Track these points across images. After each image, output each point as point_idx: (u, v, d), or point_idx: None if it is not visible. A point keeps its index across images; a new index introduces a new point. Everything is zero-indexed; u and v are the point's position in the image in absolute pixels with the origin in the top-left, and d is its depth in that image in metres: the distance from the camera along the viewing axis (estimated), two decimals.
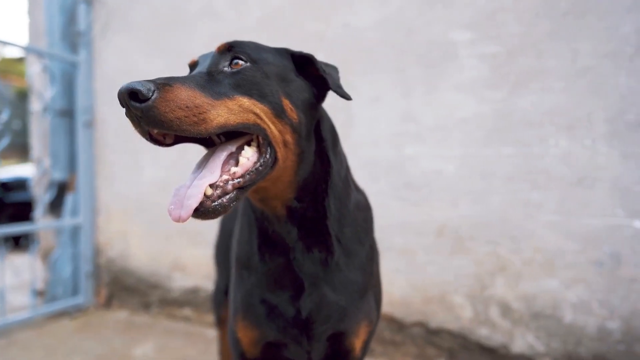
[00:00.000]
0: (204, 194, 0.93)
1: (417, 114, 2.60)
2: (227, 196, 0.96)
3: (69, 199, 3.85)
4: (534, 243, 2.32)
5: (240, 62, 1.03)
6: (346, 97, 1.14)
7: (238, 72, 1.01)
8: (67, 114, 3.87)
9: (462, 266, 2.48)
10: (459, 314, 2.49)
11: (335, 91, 1.14)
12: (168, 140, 0.99)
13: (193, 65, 1.16)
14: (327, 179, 1.18)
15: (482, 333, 2.43)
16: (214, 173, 0.97)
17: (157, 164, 3.56)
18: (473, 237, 2.46)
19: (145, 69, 3.58)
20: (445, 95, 2.52)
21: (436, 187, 2.54)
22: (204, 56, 1.14)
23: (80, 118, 3.77)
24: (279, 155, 1.04)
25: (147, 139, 0.95)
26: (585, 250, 2.22)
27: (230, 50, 1.05)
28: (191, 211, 0.90)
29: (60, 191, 3.94)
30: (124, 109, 0.89)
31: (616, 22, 2.14)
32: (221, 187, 0.95)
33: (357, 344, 1.27)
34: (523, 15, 2.33)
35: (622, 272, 2.16)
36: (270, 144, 1.03)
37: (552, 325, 2.29)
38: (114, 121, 3.77)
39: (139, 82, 0.85)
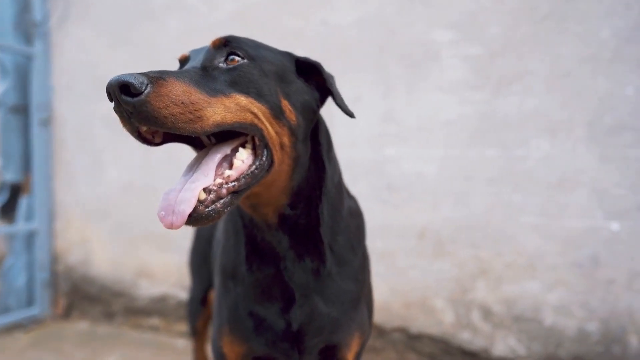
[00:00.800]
0: (197, 199, 0.89)
1: (398, 114, 2.59)
2: (222, 201, 0.92)
3: (23, 202, 3.64)
4: (515, 246, 2.36)
5: (237, 58, 1.00)
6: (350, 114, 1.13)
7: (234, 68, 0.98)
8: (21, 110, 3.65)
9: (444, 270, 2.49)
10: (440, 319, 2.50)
11: (339, 106, 1.12)
12: (157, 139, 0.95)
13: (184, 61, 1.10)
14: (321, 185, 1.15)
15: (464, 337, 2.45)
16: (208, 176, 0.93)
17: (121, 164, 3.42)
18: (454, 240, 2.47)
19: (108, 63, 3.42)
20: (427, 95, 2.52)
21: (417, 189, 2.54)
22: (195, 51, 1.09)
23: (36, 115, 3.57)
24: (275, 158, 1.01)
25: (135, 137, 0.91)
26: (565, 252, 2.27)
27: (227, 45, 1.01)
28: (185, 217, 0.86)
29: (14, 194, 3.72)
30: (112, 103, 0.84)
31: (595, 27, 2.20)
32: (215, 191, 0.92)
33: (350, 356, 1.24)
34: (504, 17, 2.36)
35: (600, 273, 2.22)
36: (266, 146, 1.00)
37: (533, 328, 2.33)
38: (74, 118, 3.59)
39: (131, 74, 0.80)
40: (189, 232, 3.20)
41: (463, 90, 2.45)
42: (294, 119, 1.04)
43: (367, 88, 2.66)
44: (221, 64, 0.99)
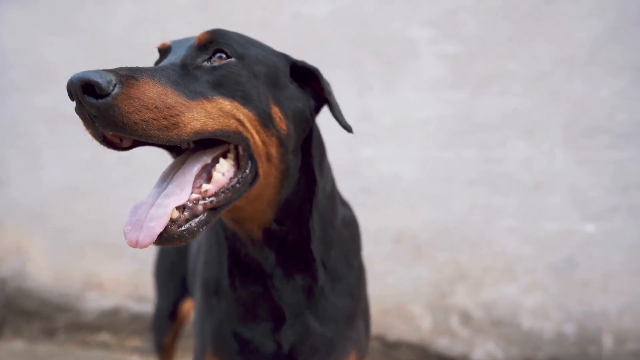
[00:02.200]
0: (170, 217, 0.82)
1: (374, 113, 2.55)
2: (197, 219, 0.85)
3: None
4: (494, 249, 2.39)
5: (223, 56, 0.92)
6: (348, 129, 1.06)
7: (219, 67, 0.90)
8: None
9: (422, 275, 2.48)
10: (418, 325, 2.49)
11: (337, 118, 1.06)
12: (125, 144, 0.86)
13: (164, 51, 1.00)
14: (311, 198, 1.08)
15: (442, 343, 2.46)
16: (184, 190, 0.85)
17: (64, 164, 3.16)
18: (433, 244, 2.47)
19: (47, 50, 3.15)
20: (404, 94, 2.51)
21: (394, 191, 2.52)
22: (178, 42, 0.99)
23: None
24: (260, 170, 0.94)
25: (99, 142, 0.82)
26: (542, 255, 2.33)
27: (212, 41, 0.93)
28: (154, 236, 0.79)
29: None
30: (73, 103, 0.75)
31: (571, 29, 2.26)
32: (190, 208, 0.84)
33: None
34: (483, 16, 2.38)
35: (576, 276, 2.29)
36: (251, 157, 0.92)
37: (511, 332, 2.37)
38: (6, 112, 3.27)
39: (96, 71, 0.72)
40: None
41: (441, 89, 2.45)
42: (284, 128, 0.96)
43: (341, 85, 2.59)
44: (205, 63, 0.91)
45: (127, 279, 3.02)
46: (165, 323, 1.86)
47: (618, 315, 2.24)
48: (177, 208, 0.83)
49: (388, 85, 2.53)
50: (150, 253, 3.06)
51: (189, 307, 1.82)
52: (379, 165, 2.54)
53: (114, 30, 3.00)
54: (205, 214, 0.86)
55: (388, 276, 2.53)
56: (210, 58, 0.91)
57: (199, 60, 0.91)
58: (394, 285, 2.53)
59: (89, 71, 0.72)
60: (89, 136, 0.80)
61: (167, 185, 0.87)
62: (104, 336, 3.10)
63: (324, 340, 1.12)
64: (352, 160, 2.59)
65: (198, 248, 1.42)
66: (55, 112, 3.11)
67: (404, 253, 2.51)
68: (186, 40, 0.98)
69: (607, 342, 2.26)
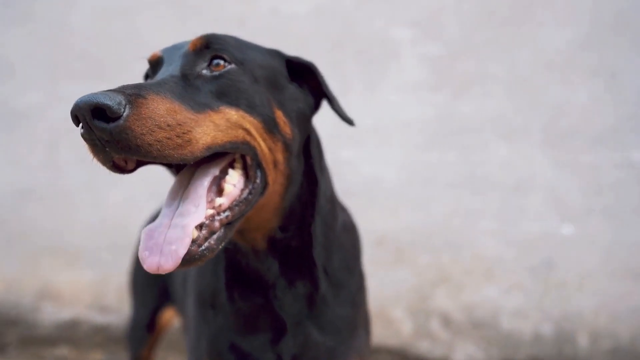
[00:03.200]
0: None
1: (354, 114, 2.51)
2: (215, 236, 0.82)
3: None
4: (475, 251, 2.43)
5: (222, 62, 0.89)
6: (349, 122, 1.08)
7: (221, 75, 0.88)
8: None
9: (403, 278, 2.49)
10: (398, 329, 2.49)
11: (337, 112, 1.06)
12: (130, 166, 0.82)
13: (156, 62, 0.96)
14: (313, 202, 1.06)
15: (423, 347, 2.47)
16: (199, 207, 0.82)
17: (15, 164, 2.97)
18: (414, 246, 2.49)
19: (2, 42, 2.93)
20: (384, 95, 2.51)
21: (375, 194, 2.52)
22: (169, 50, 0.96)
23: None
24: (269, 178, 0.92)
25: (108, 168, 0.79)
26: (522, 257, 2.39)
27: (208, 47, 0.90)
28: (178, 260, 0.76)
29: None
30: (79, 129, 0.72)
31: (550, 34, 2.34)
32: (207, 225, 0.82)
33: None
34: (464, 19, 2.43)
35: (553, 276, 2.36)
36: (259, 166, 0.90)
37: (491, 334, 2.41)
38: None
39: (104, 93, 0.69)
40: (110, 242, 2.87)
41: (422, 91, 2.47)
42: (288, 131, 0.95)
43: None
44: (204, 71, 0.88)
45: (88, 288, 2.88)
46: (142, 334, 1.77)
47: (593, 314, 2.32)
48: (195, 227, 0.80)
49: (369, 86, 2.53)
50: (113, 260, 2.93)
51: (169, 317, 1.74)
52: (360, 167, 2.53)
53: (76, 22, 2.84)
54: (222, 230, 0.84)
55: (369, 280, 2.49)
56: (208, 65, 0.89)
57: (198, 69, 0.88)
58: (375, 289, 2.50)
59: (95, 94, 0.68)
60: (98, 163, 0.77)
61: (180, 203, 0.83)
62: (62, 350, 2.92)
63: (325, 351, 1.09)
64: (333, 162, 2.53)
65: None
66: (6, 108, 2.91)
67: (386, 256, 2.50)
68: (177, 47, 0.94)
69: (583, 341, 2.34)
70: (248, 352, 1.06)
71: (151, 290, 1.73)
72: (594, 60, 2.28)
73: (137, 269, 1.83)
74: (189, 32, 3.13)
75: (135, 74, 3.10)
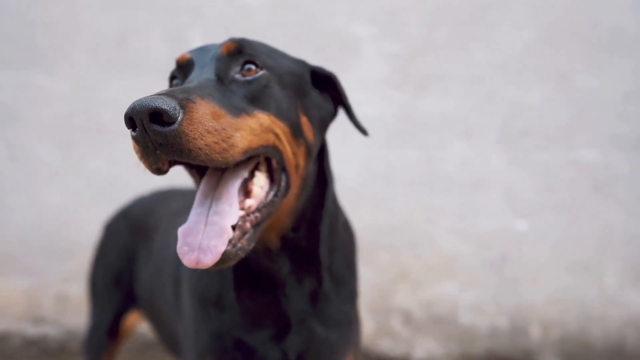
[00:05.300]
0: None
1: None
2: (246, 236, 0.87)
3: None
4: (434, 248, 2.51)
5: (254, 68, 0.94)
6: (364, 132, 1.17)
7: (254, 80, 0.92)
8: None
9: (364, 277, 2.49)
10: None
11: (354, 123, 1.14)
12: (165, 167, 0.84)
13: (186, 64, 0.98)
14: (323, 202, 1.12)
15: (384, 345, 2.52)
16: (232, 207, 0.87)
17: None
18: (375, 245, 2.52)
19: None
20: (346, 92, 2.51)
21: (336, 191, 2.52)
22: (198, 52, 0.98)
23: None
24: (292, 181, 0.98)
25: (153, 171, 0.82)
26: (479, 252, 2.49)
27: (241, 52, 0.94)
28: (219, 254, 0.81)
29: None
30: (130, 131, 0.76)
31: (506, 36, 2.47)
32: (240, 225, 0.87)
33: None
34: (423, 17, 2.50)
35: (508, 271, 2.49)
36: (284, 169, 0.96)
37: (450, 329, 2.50)
38: None
39: (160, 97, 0.73)
40: (46, 246, 2.69)
41: (383, 88, 2.52)
42: (311, 137, 1.01)
43: None
44: (237, 75, 0.92)
45: (20, 298, 2.68)
46: (102, 340, 1.70)
47: (544, 306, 2.47)
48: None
49: None
50: (50, 266, 2.73)
51: (134, 321, 1.66)
52: None
53: (12, 6, 2.63)
54: (252, 231, 0.88)
55: None
56: (241, 70, 0.93)
57: (232, 73, 0.92)
58: None
59: (152, 98, 0.72)
60: (143, 167, 0.80)
61: (211, 203, 0.87)
62: None
63: (328, 346, 1.15)
64: None
65: (161, 258, 1.38)
66: None
67: None
68: (206, 49, 0.97)
69: (534, 332, 2.48)
70: (254, 349, 1.09)
71: (115, 293, 1.67)
72: (547, 63, 2.42)
73: (100, 269, 1.75)
74: (138, 22, 3.00)
75: (73, 62, 2.93)
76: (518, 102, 2.47)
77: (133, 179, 2.61)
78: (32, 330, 2.70)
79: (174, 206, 1.58)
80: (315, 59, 2.63)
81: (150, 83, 2.69)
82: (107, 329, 1.67)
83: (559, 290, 2.46)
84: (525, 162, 2.46)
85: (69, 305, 2.72)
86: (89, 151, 2.70)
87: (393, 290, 2.53)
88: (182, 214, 1.46)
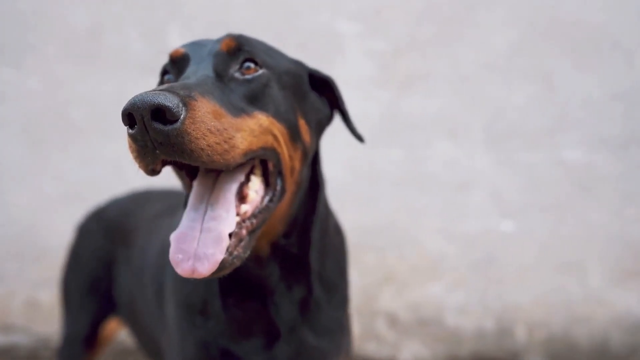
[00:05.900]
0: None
1: None
2: (242, 243, 0.84)
3: None
4: (420, 249, 2.49)
5: (254, 66, 0.91)
6: (360, 139, 1.14)
7: (253, 79, 0.89)
8: None
9: (350, 279, 2.46)
10: None
11: (350, 129, 1.12)
12: (158, 167, 0.79)
13: (179, 59, 0.93)
14: (314, 207, 1.09)
15: (369, 348, 2.49)
16: (230, 213, 0.83)
17: None
18: (360, 246, 2.47)
19: None
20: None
21: None
22: (193, 47, 0.94)
23: None
24: (287, 186, 0.95)
25: (147, 172, 0.78)
26: (465, 253, 2.48)
27: (240, 49, 0.91)
28: (216, 264, 0.77)
29: None
30: (127, 128, 0.71)
31: (491, 36, 2.45)
32: (236, 232, 0.83)
33: None
34: (408, 15, 2.48)
35: (494, 272, 2.48)
36: (279, 173, 0.93)
37: (436, 331, 2.48)
38: None
39: (162, 94, 0.68)
40: (15, 251, 2.58)
41: (368, 87, 2.48)
42: (308, 140, 0.99)
43: None
44: (236, 73, 0.89)
45: None
46: (78, 350, 1.62)
47: (530, 307, 2.47)
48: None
49: None
50: (19, 271, 2.61)
51: (114, 329, 1.58)
52: None
53: None
54: (248, 238, 0.85)
55: None
56: (240, 68, 0.90)
57: (231, 71, 0.89)
58: None
59: (153, 93, 0.68)
60: (138, 168, 0.75)
61: (207, 207, 0.83)
62: None
63: (319, 353, 1.12)
64: None
65: (152, 262, 1.32)
66: None
67: None
68: (201, 44, 0.93)
69: (520, 333, 2.47)
70: (240, 358, 1.05)
71: (91, 299, 1.60)
72: (531, 63, 2.42)
73: (75, 275, 1.67)
74: (112, 15, 2.87)
75: (43, 56, 2.80)
76: (503, 101, 2.46)
77: (106, 180, 2.53)
78: (1, 338, 2.58)
79: (153, 208, 1.52)
80: (297, 57, 2.58)
81: (126, 79, 2.61)
82: (82, 338, 1.60)
83: (545, 291, 2.46)
84: (510, 162, 2.46)
85: (40, 312, 2.61)
86: (60, 150, 2.59)
87: (378, 292, 2.49)
88: (163, 217, 1.40)
